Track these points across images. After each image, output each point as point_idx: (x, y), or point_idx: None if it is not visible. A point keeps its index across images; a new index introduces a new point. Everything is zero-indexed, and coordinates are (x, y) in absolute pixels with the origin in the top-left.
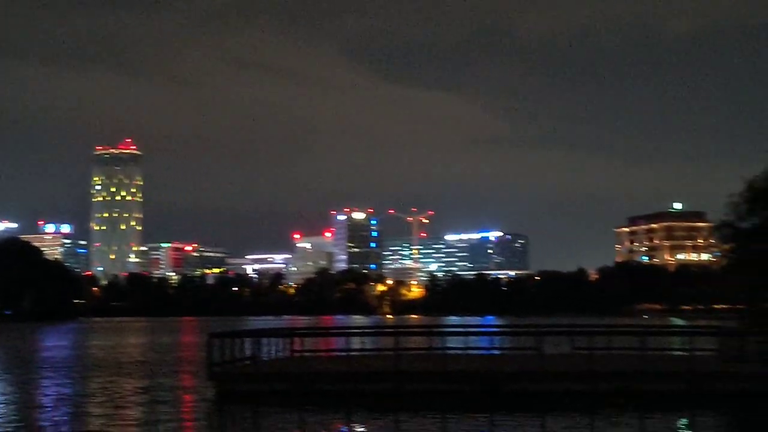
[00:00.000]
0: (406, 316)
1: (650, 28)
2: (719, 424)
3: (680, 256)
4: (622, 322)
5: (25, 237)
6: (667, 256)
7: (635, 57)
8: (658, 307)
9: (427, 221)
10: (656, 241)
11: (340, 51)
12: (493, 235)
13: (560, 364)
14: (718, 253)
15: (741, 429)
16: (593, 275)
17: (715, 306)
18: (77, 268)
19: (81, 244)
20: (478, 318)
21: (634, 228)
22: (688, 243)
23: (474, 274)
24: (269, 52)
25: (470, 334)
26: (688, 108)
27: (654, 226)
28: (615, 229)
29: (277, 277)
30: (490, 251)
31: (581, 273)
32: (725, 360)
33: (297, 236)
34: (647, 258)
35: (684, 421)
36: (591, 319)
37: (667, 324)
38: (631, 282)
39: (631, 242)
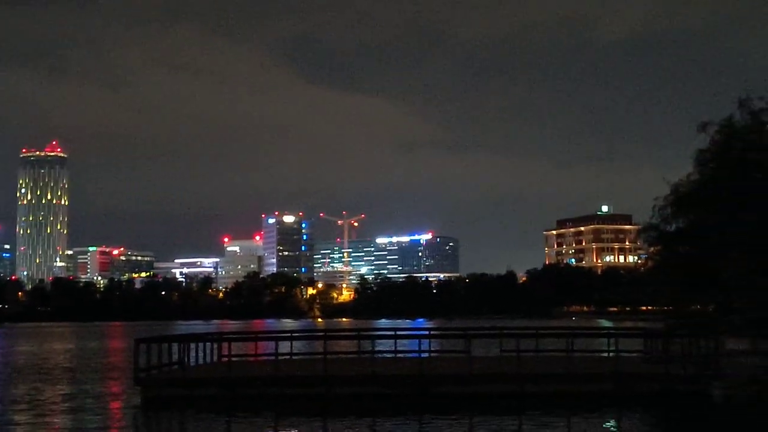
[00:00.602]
0: (337, 320)
1: (583, 31)
2: (645, 424)
3: (608, 259)
4: (550, 325)
5: None
6: (594, 259)
7: (567, 59)
8: (585, 309)
9: (357, 224)
10: (584, 244)
11: (272, 53)
12: (424, 237)
13: (489, 366)
14: (645, 256)
15: (666, 428)
16: (522, 278)
17: (642, 308)
18: (2, 273)
19: (6, 248)
20: (409, 321)
21: (562, 231)
22: (616, 246)
23: (404, 277)
24: (199, 53)
25: (400, 337)
26: (617, 111)
27: (582, 228)
28: (544, 232)
29: (207, 281)
30: (420, 254)
31: (510, 275)
32: (650, 361)
33: (226, 240)
34: (575, 260)
35: (611, 422)
36: (520, 322)
37: (594, 326)
38: (559, 284)
39: (560, 245)
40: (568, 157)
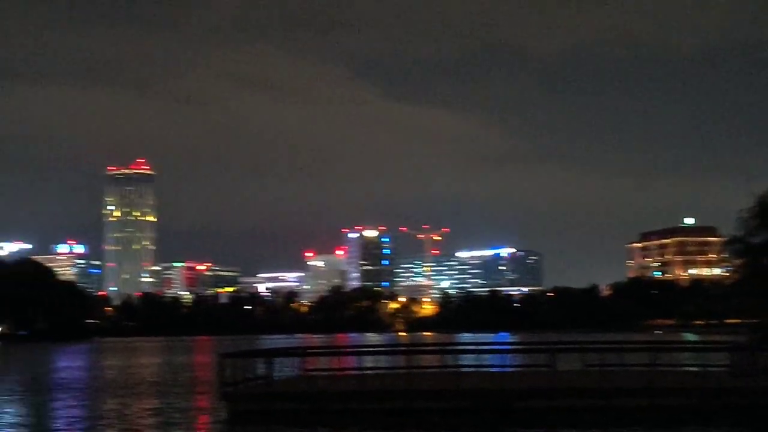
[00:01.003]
0: (419, 334)
1: (660, 44)
2: None
3: (692, 271)
4: (634, 338)
5: (38, 258)
6: (679, 272)
7: (646, 72)
8: (670, 322)
9: (440, 238)
10: (668, 257)
11: (347, 68)
12: (506, 251)
13: (573, 380)
14: (730, 268)
15: None
16: (605, 291)
17: (727, 321)
18: (91, 289)
19: (94, 264)
20: (491, 335)
21: (646, 243)
22: (700, 258)
23: (487, 291)
24: (274, 70)
25: (483, 351)
26: (699, 123)
27: (666, 241)
28: (627, 245)
29: (290, 295)
30: (502, 268)
31: (593, 289)
32: (737, 375)
33: (310, 254)
34: (660, 273)
35: None
36: (603, 335)
37: (679, 339)
38: (644, 297)
39: (643, 258)
40: (648, 168)
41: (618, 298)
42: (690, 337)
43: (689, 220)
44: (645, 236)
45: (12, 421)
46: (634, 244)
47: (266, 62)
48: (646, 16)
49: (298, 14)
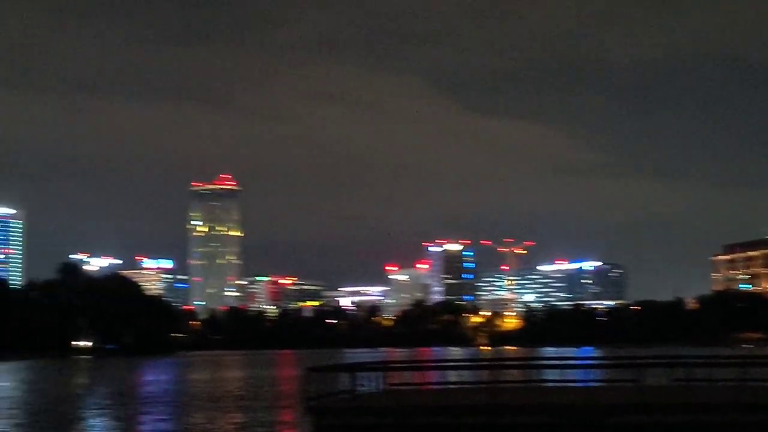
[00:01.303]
0: (502, 348)
1: (739, 53)
2: None
3: None
4: (721, 352)
5: (126, 272)
6: (766, 284)
7: (726, 81)
8: (758, 335)
9: (523, 252)
10: (755, 269)
11: (425, 81)
12: (590, 264)
13: (661, 395)
14: None
15: None
16: (691, 304)
17: None
18: (177, 303)
19: (181, 279)
20: (575, 349)
21: (731, 256)
22: None
23: (570, 305)
24: (353, 85)
25: (568, 366)
26: None
27: (753, 253)
28: (711, 257)
29: (374, 309)
30: (586, 281)
31: (679, 302)
32: None
33: (392, 268)
34: (748, 286)
35: None
36: (689, 349)
37: None
38: (731, 310)
39: (729, 270)
40: (729, 180)
41: (704, 311)
42: None
43: None
44: (729, 248)
45: None
46: (719, 257)
47: (345, 77)
48: (735, 26)
49: (375, 30)
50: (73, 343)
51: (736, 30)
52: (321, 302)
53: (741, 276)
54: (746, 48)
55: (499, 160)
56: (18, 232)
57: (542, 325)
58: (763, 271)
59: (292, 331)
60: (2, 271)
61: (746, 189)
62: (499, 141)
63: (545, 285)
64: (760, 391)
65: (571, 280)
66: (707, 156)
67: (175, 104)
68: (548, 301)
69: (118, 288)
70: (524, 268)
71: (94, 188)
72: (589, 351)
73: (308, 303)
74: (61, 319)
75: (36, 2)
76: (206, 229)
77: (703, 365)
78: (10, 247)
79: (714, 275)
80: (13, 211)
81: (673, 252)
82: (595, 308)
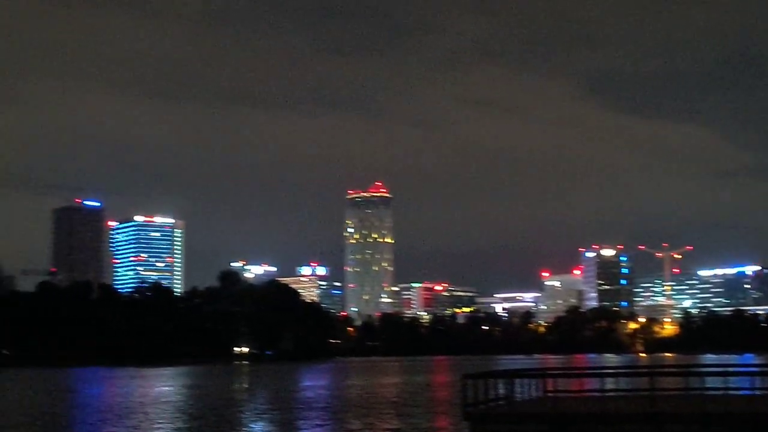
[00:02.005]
0: (660, 355)
1: None
2: None
3: None
4: None
5: (283, 280)
6: None
7: None
8: None
9: (680, 257)
10: None
11: (576, 85)
12: (751, 269)
13: None
14: None
15: None
16: None
17: None
18: (333, 309)
19: (336, 286)
20: (736, 356)
21: None
22: None
23: (730, 311)
24: (503, 90)
25: (729, 374)
26: None
27: None
28: None
29: (527, 315)
30: (747, 286)
31: None
32: None
33: (546, 274)
34: None
35: None
36: None
37: None
38: None
39: None
40: None
41: None
42: None
43: None
44: None
45: None
46: None
47: (495, 83)
48: None
49: (525, 35)
50: (233, 348)
51: None
52: (474, 308)
53: None
54: None
55: (653, 163)
56: (179, 240)
57: (701, 332)
58: None
59: (446, 337)
60: (165, 279)
61: None
62: (653, 144)
63: (704, 290)
64: None
65: (731, 285)
66: None
67: (331, 113)
68: (707, 307)
69: (277, 295)
70: (682, 273)
71: (251, 197)
72: (751, 358)
73: (462, 309)
74: (223, 326)
75: (198, 20)
76: (360, 237)
77: None
78: (171, 255)
79: None
80: (174, 221)
81: None
82: (757, 314)
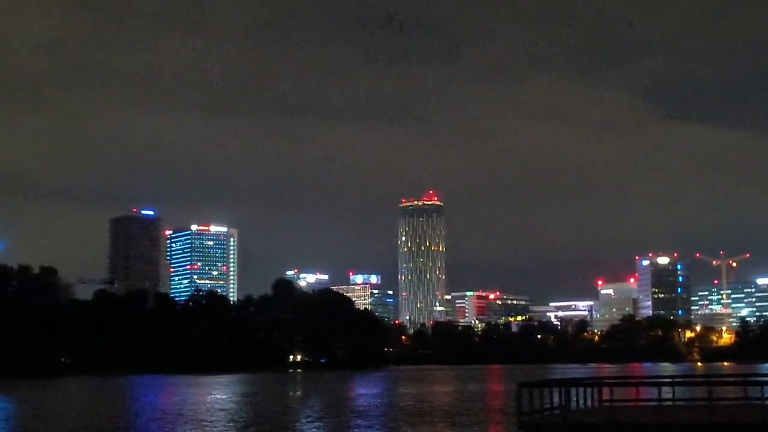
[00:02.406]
0: (717, 364)
1: None
2: None
3: None
4: None
5: (336, 288)
6: None
7: None
8: None
9: (737, 265)
10: None
11: (632, 93)
12: None
13: None
14: None
15: None
16: None
17: None
18: (386, 318)
19: (389, 294)
20: None
21: None
22: None
23: None
24: (559, 99)
25: None
26: None
27: None
28: None
29: (581, 324)
30: None
31: None
32: None
33: (600, 283)
34: None
35: None
36: None
37: None
38: None
39: None
40: None
41: None
42: None
43: None
44: None
45: None
46: None
47: (547, 92)
48: None
49: (577, 43)
50: (287, 357)
51: None
52: (527, 317)
53: None
54: None
55: (709, 171)
56: (233, 249)
57: (758, 341)
58: None
59: (499, 345)
60: (220, 287)
61: None
62: (710, 151)
63: (761, 299)
64: None
65: None
66: None
67: (383, 123)
68: (765, 315)
69: (330, 303)
70: (739, 281)
71: (304, 206)
72: None
73: (515, 318)
74: (277, 334)
75: (248, 33)
76: (413, 245)
77: None
78: (226, 264)
79: None
80: (228, 229)
81: None
82: None
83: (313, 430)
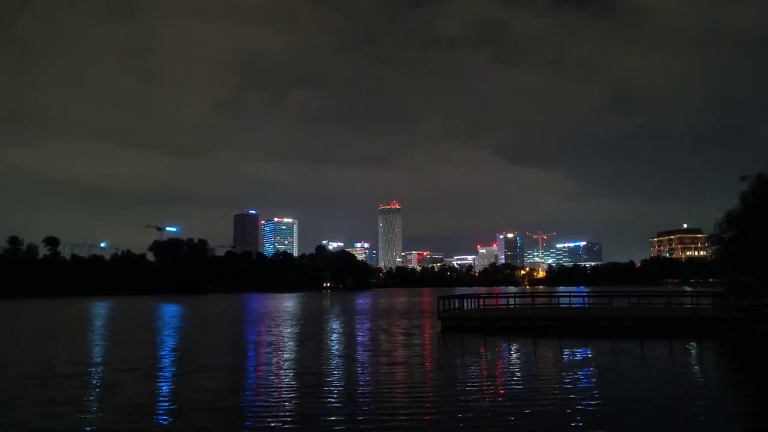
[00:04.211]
0: (537, 287)
1: None
2: (718, 347)
3: None
4: None
5: (347, 249)
6: None
7: None
8: None
9: (546, 237)
10: None
11: None
12: None
13: None
14: None
15: (729, 350)
16: None
17: None
18: (372, 264)
19: (374, 252)
20: None
21: None
22: None
23: None
24: None
25: None
26: None
27: None
28: None
29: (469, 268)
30: None
31: None
32: (718, 311)
33: (479, 246)
34: None
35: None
36: None
37: None
38: None
39: None
40: None
41: None
42: None
43: None
44: None
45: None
46: None
47: None
48: None
49: None
50: (323, 284)
51: None
52: (443, 263)
53: None
54: None
55: None
56: (295, 230)
57: (557, 276)
58: None
59: (426, 278)
60: (289, 249)
61: None
62: None
63: (559, 255)
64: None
65: None
66: None
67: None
68: (561, 263)
69: (344, 257)
70: (548, 246)
71: (331, 205)
72: None
73: (436, 264)
74: (317, 272)
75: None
76: (385, 228)
77: None
78: (292, 237)
79: None
80: (292, 220)
81: None
82: None
83: (336, 320)
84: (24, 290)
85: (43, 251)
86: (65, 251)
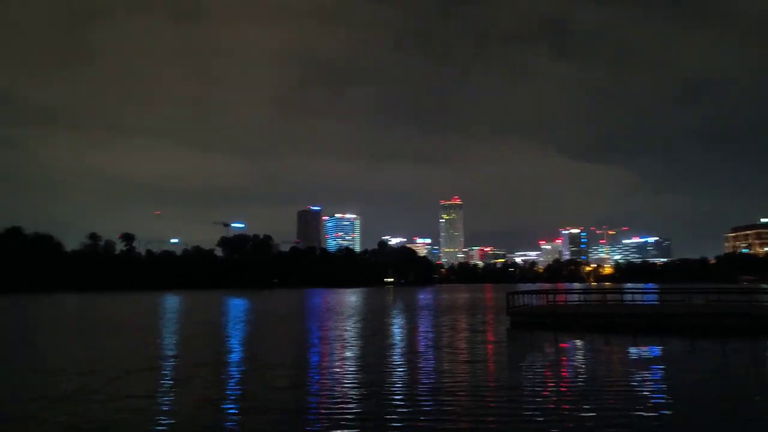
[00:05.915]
0: (604, 284)
1: None
2: None
3: None
4: None
5: (408, 245)
6: None
7: None
8: None
9: (612, 232)
10: None
11: None
12: None
13: None
14: None
15: None
16: None
17: None
18: (433, 260)
19: (435, 247)
20: None
21: None
22: None
23: None
24: None
25: None
26: None
27: None
28: None
29: (532, 264)
30: None
31: None
32: None
33: (542, 242)
34: None
35: None
36: None
37: None
38: None
39: None
40: None
41: None
42: None
43: None
44: None
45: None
46: None
47: None
48: None
49: None
50: (385, 279)
51: None
52: (506, 260)
53: None
54: None
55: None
56: (357, 226)
57: (625, 272)
58: None
59: (491, 274)
60: (351, 245)
61: None
62: None
63: (626, 250)
64: None
65: None
66: None
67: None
68: (628, 259)
69: (406, 253)
70: (615, 242)
71: (394, 201)
72: None
73: (499, 260)
74: (380, 268)
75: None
76: (447, 223)
77: None
78: (353, 233)
79: None
80: (355, 216)
81: None
82: None
83: (399, 316)
84: (102, 284)
85: (119, 247)
86: (140, 247)
